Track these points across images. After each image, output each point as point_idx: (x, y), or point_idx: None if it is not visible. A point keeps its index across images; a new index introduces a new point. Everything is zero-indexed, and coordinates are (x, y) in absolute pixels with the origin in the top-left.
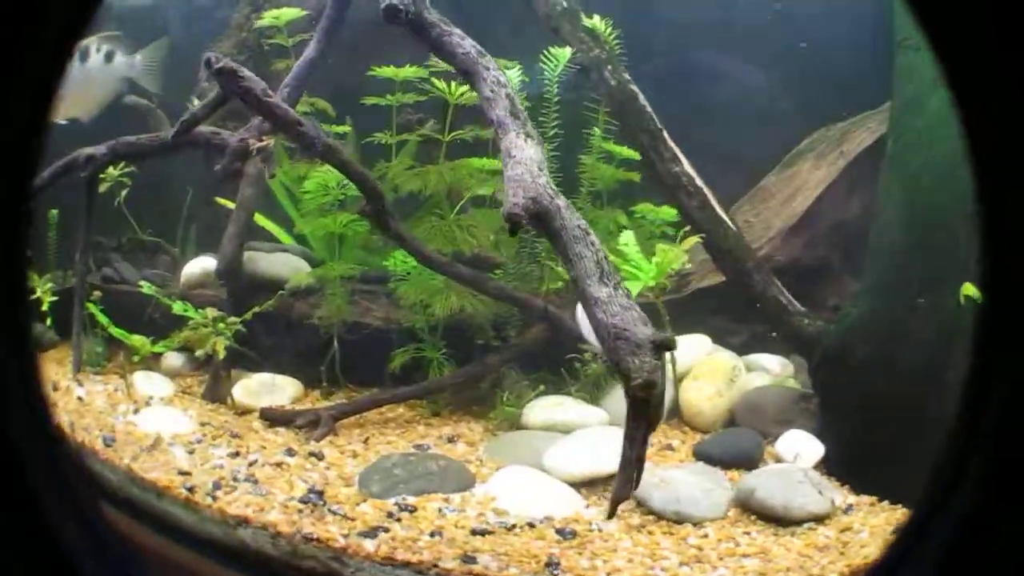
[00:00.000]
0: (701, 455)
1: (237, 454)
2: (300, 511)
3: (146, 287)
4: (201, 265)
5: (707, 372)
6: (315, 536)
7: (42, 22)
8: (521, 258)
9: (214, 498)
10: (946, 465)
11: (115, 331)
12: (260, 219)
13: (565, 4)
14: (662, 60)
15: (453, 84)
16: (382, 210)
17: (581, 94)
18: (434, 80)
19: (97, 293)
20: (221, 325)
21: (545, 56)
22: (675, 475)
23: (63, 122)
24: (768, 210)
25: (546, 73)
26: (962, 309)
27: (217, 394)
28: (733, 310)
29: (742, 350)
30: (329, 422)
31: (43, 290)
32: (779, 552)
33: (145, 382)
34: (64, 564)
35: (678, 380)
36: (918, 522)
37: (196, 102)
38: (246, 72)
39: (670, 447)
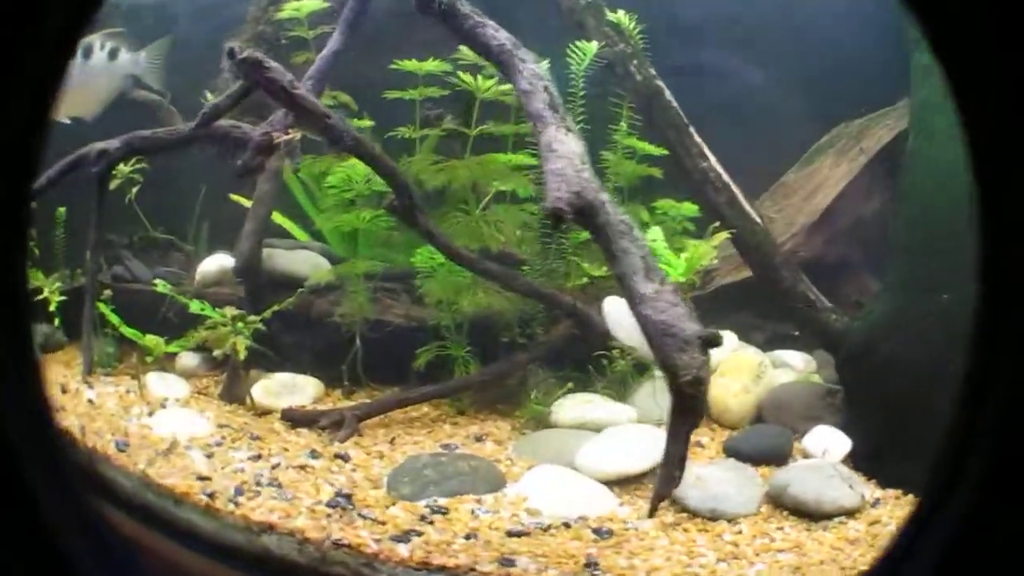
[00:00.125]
0: (731, 452)
1: (259, 457)
2: (328, 516)
3: (161, 285)
4: (217, 262)
5: (733, 369)
6: (345, 542)
7: (42, 21)
8: (547, 254)
9: (236, 504)
10: (945, 464)
11: (127, 331)
12: (275, 216)
13: None
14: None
15: (479, 78)
16: (411, 205)
17: (606, 89)
18: (460, 74)
19: (108, 292)
20: (240, 324)
21: (571, 50)
22: (709, 472)
23: (66, 121)
24: (790, 206)
25: (572, 68)
26: None
27: (235, 395)
28: (757, 306)
29: (765, 347)
30: (353, 422)
31: (51, 290)
32: (812, 546)
33: (159, 383)
34: (64, 565)
35: None
36: (916, 522)
37: (210, 97)
38: (272, 63)
39: (699, 444)
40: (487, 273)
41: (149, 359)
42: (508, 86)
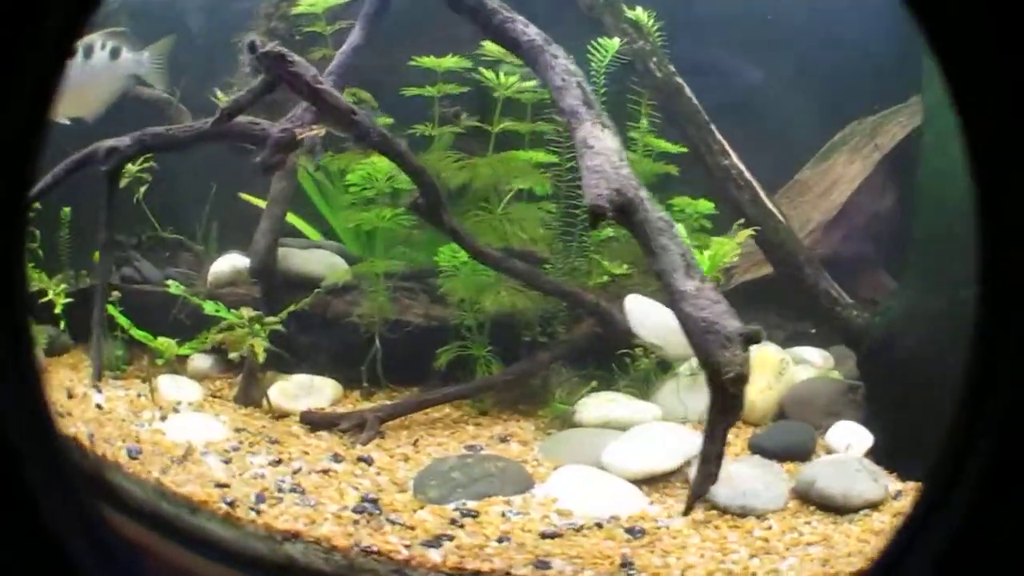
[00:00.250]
0: (756, 448)
1: (279, 462)
2: (355, 522)
3: (173, 286)
4: (230, 262)
5: (756, 366)
6: (375, 548)
7: (41, 20)
8: (569, 252)
9: (258, 512)
10: (945, 464)
11: (137, 333)
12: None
13: None
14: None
15: (501, 74)
16: (436, 203)
17: (623, 86)
18: (482, 70)
19: (116, 293)
20: (257, 326)
21: (592, 48)
22: (737, 469)
23: (65, 122)
24: (805, 203)
25: (591, 65)
26: None
27: (251, 397)
28: (776, 303)
29: (785, 344)
30: (375, 424)
31: (56, 292)
32: (840, 539)
33: (171, 386)
34: (65, 567)
35: None
36: (917, 520)
37: (220, 95)
38: (295, 57)
39: None
40: (512, 271)
41: (160, 361)
42: (526, 83)
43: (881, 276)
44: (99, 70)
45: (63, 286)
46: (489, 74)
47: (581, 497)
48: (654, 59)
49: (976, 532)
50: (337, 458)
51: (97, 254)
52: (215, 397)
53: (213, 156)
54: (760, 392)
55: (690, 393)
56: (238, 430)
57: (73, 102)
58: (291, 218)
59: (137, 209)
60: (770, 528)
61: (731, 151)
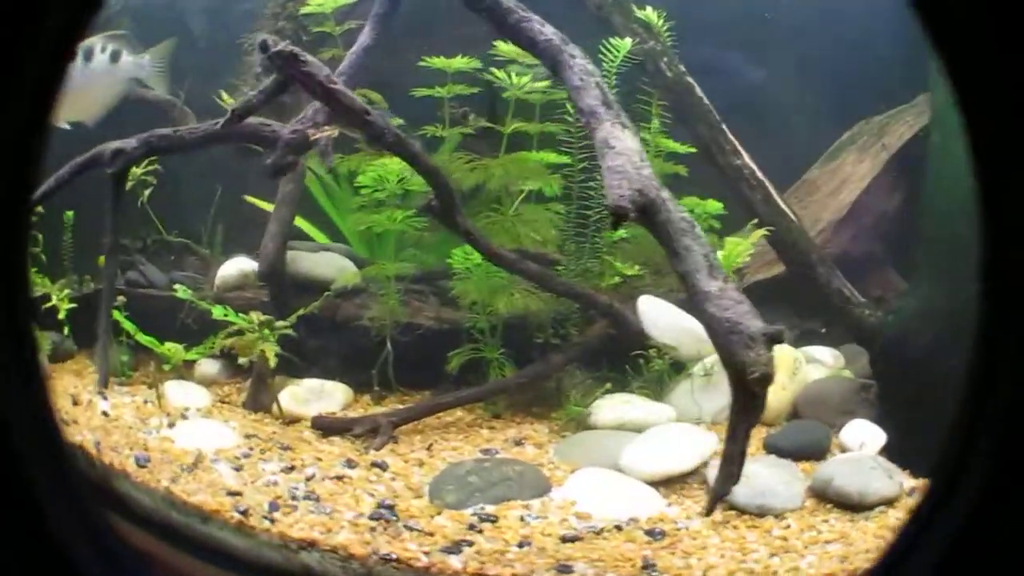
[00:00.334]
0: (771, 448)
1: (291, 468)
2: (372, 529)
3: (181, 291)
4: (237, 266)
5: None
6: (394, 556)
7: (42, 21)
8: (581, 253)
9: (272, 520)
10: (945, 464)
11: (143, 338)
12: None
13: None
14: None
15: (513, 75)
16: (451, 205)
17: (633, 86)
18: (494, 71)
19: (121, 298)
20: (267, 330)
21: (604, 48)
22: (754, 469)
23: (65, 126)
24: (815, 203)
25: (603, 65)
26: None
27: (260, 403)
28: (787, 303)
29: (796, 343)
30: (389, 429)
31: (59, 297)
32: (857, 536)
33: (178, 392)
34: (69, 573)
35: None
36: (919, 520)
37: (225, 97)
38: (308, 56)
39: None
40: (526, 273)
41: (167, 367)
42: (539, 84)
43: (890, 275)
44: (99, 73)
45: (67, 291)
46: (501, 74)
47: (599, 500)
48: (664, 59)
49: (976, 532)
50: (351, 464)
51: (102, 258)
52: (223, 403)
53: (217, 159)
54: (774, 392)
55: (704, 394)
56: (248, 436)
57: (72, 106)
58: (297, 221)
59: (141, 212)
60: (788, 527)
61: (743, 151)
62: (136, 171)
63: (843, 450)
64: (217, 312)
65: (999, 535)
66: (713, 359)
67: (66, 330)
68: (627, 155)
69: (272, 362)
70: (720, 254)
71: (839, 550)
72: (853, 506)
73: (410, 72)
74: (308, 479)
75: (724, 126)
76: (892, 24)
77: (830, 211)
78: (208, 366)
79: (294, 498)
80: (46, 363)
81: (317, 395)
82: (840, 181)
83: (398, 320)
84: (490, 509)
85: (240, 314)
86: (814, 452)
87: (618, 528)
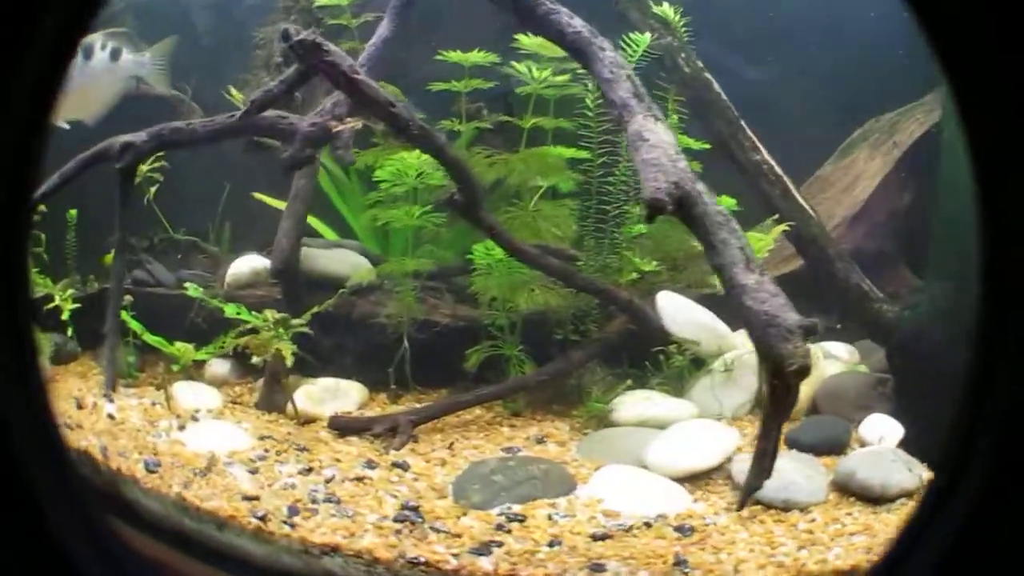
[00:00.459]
0: (792, 443)
1: (310, 470)
2: (397, 531)
3: (192, 289)
4: (249, 263)
5: None
6: (422, 559)
7: (41, 20)
8: (600, 249)
9: (292, 525)
10: (946, 465)
11: (151, 338)
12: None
13: None
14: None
15: (534, 69)
16: (475, 200)
17: (649, 81)
18: (514, 64)
19: (128, 297)
20: (282, 329)
21: (623, 43)
22: (779, 464)
23: (65, 125)
24: (828, 199)
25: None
26: None
27: (273, 403)
28: (804, 298)
29: (812, 338)
30: (408, 428)
31: (63, 297)
32: (880, 527)
33: (188, 393)
34: (69, 573)
35: (761, 371)
36: (920, 520)
37: (234, 92)
38: (331, 46)
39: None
40: (548, 269)
41: (176, 368)
42: (558, 78)
43: (902, 271)
44: (99, 72)
45: (70, 291)
46: (522, 67)
47: (627, 497)
48: (683, 55)
49: (977, 532)
50: (371, 464)
51: (108, 257)
52: (235, 403)
53: (223, 155)
54: None
55: (724, 389)
56: (263, 438)
57: (72, 104)
58: (308, 217)
59: (147, 210)
60: (814, 520)
61: (761, 147)
62: (142, 168)
63: (863, 444)
64: (230, 310)
65: (999, 535)
66: (733, 355)
67: (70, 331)
68: (662, 148)
69: (289, 361)
70: None
71: (864, 542)
72: (875, 499)
73: (421, 66)
74: (328, 481)
75: (743, 122)
76: (902, 21)
77: (844, 207)
78: (218, 366)
79: (314, 501)
80: (47, 364)
81: (332, 394)
82: (853, 178)
83: (415, 317)
84: (517, 508)
85: (253, 312)
86: (834, 446)
87: (647, 525)
